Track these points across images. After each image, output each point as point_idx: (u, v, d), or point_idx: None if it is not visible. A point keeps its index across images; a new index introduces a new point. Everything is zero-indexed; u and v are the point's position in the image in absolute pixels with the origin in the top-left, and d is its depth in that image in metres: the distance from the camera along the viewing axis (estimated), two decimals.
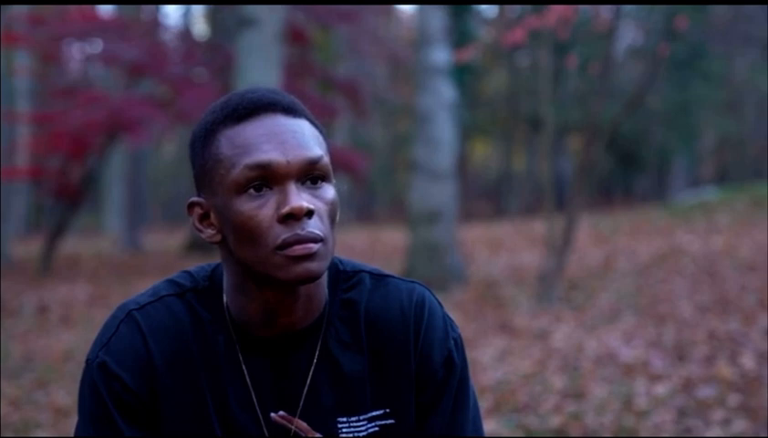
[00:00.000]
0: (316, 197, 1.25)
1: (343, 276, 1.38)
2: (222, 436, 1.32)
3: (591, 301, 7.43)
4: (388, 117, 28.63)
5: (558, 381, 4.90)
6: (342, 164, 14.87)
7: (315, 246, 1.22)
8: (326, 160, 1.27)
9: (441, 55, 9.30)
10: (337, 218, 1.29)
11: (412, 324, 1.35)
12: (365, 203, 31.87)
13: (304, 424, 1.32)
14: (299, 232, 1.22)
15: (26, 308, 8.98)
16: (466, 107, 22.10)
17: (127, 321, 1.32)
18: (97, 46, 14.91)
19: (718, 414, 4.08)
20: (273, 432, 1.32)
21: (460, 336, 1.40)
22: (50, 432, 4.55)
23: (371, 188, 30.75)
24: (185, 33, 19.94)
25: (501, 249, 12.46)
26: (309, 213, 1.22)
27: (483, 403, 4.58)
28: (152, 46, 13.52)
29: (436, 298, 1.40)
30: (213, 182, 1.27)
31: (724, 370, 4.75)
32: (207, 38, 18.80)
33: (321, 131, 1.31)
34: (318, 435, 1.32)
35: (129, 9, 16.71)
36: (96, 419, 1.31)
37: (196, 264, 1.42)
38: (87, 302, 9.25)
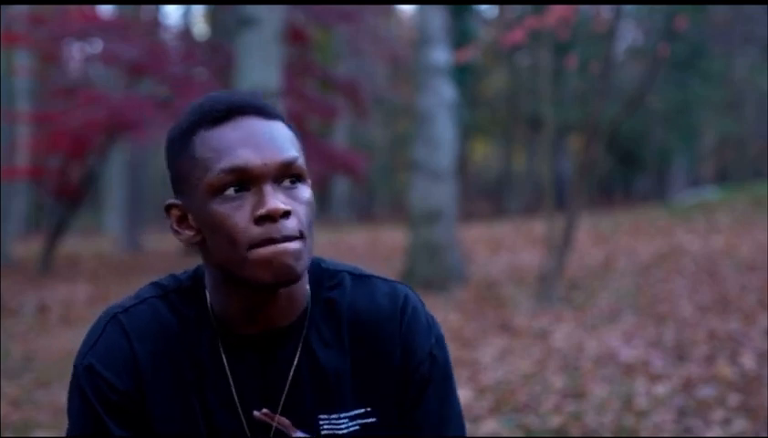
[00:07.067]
0: (293, 198, 1.26)
1: (326, 273, 1.39)
2: (206, 436, 1.32)
3: (591, 301, 7.43)
4: (388, 117, 28.63)
5: (558, 381, 4.90)
6: (342, 164, 14.87)
7: (291, 246, 1.23)
8: (302, 161, 1.29)
9: (441, 55, 9.30)
10: (314, 218, 1.30)
11: (395, 322, 1.37)
12: (365, 203, 31.86)
13: (286, 421, 1.33)
14: (275, 234, 1.23)
15: (26, 308, 8.98)
16: (466, 107, 22.08)
17: (112, 323, 1.33)
18: (97, 46, 14.89)
19: (718, 414, 4.08)
20: (254, 431, 1.33)
21: (442, 335, 1.41)
22: (50, 432, 4.55)
23: (371, 188, 30.76)
24: (185, 33, 19.91)
25: (501, 249, 12.45)
26: (286, 214, 1.24)
27: (483, 403, 4.58)
28: (152, 46, 13.51)
29: (418, 297, 1.42)
30: (190, 185, 1.28)
31: (724, 369, 4.75)
32: (207, 38, 18.79)
33: (295, 133, 1.33)
34: (300, 433, 1.33)
35: (129, 9, 16.70)
36: (84, 421, 1.31)
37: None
38: (87, 302, 9.26)
